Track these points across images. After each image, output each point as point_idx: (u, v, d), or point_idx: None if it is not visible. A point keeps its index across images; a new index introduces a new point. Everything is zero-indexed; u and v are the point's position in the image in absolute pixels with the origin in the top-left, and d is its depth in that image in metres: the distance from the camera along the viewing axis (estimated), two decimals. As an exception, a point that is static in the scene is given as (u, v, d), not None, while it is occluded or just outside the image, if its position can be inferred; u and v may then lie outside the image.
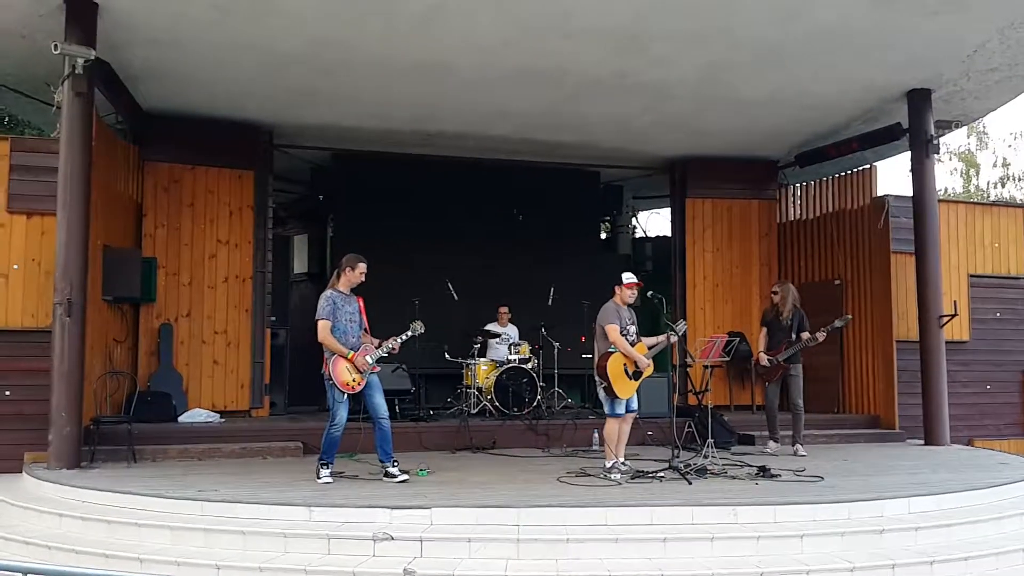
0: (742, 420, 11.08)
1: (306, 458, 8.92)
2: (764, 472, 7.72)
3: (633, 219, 16.64)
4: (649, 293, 8.05)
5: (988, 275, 12.42)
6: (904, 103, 10.76)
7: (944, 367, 10.80)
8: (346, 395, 7.37)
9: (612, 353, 7.58)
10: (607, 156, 13.27)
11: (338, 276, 7.59)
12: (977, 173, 27.24)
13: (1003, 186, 26.66)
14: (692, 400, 10.92)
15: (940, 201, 11.51)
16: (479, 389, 11.17)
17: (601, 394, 7.76)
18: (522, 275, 12.80)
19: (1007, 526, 6.62)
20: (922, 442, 10.75)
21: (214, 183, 11.34)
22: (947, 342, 10.97)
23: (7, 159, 9.15)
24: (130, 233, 10.76)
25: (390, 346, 7.54)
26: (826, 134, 12.07)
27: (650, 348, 7.79)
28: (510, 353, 11.40)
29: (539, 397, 11.00)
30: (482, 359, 11.46)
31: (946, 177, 26.98)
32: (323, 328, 7.36)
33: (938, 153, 11.01)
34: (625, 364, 7.58)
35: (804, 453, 9.36)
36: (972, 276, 12.31)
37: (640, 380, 7.70)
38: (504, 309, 12.15)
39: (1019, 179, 26.55)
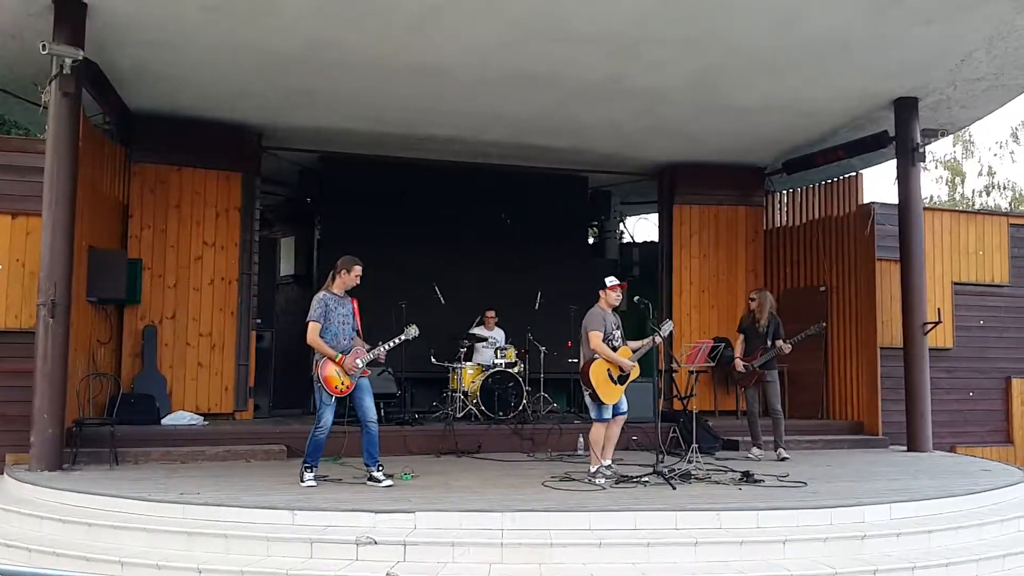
0: (727, 425, 11.10)
1: (290, 461, 8.90)
2: (748, 478, 7.74)
3: (621, 224, 16.67)
4: (636, 298, 8.07)
5: (972, 283, 12.49)
6: (891, 111, 10.83)
7: (927, 374, 10.85)
8: (334, 398, 7.35)
9: (596, 359, 7.59)
10: (598, 161, 13.30)
11: (332, 278, 7.56)
12: (962, 181, 27.43)
13: (988, 194, 26.86)
14: (677, 405, 10.94)
15: (925, 209, 11.56)
16: (465, 393, 11.17)
17: (587, 400, 7.77)
18: (509, 279, 12.82)
19: (988, 532, 6.65)
20: (905, 449, 10.81)
21: (201, 184, 11.30)
22: (931, 349, 11.03)
23: (-7, 159, 9.11)
24: (116, 234, 10.71)
25: (383, 349, 7.53)
26: (814, 141, 12.13)
27: (635, 351, 7.80)
28: (496, 357, 11.40)
29: (525, 401, 11.01)
30: (468, 363, 11.47)
31: (932, 185, 27.21)
32: (312, 331, 7.33)
33: (924, 161, 11.06)
34: (609, 369, 7.59)
35: (787, 456, 9.41)
36: (956, 284, 12.38)
37: (626, 384, 7.71)
38: (491, 313, 12.16)
39: (1004, 187, 26.75)
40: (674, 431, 10.23)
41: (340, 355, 7.31)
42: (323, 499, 6.68)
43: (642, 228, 19.06)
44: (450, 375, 11.51)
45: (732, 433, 10.58)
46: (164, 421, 10.27)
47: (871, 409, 11.61)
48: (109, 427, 8.70)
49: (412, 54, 9.23)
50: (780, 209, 13.79)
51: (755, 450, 9.70)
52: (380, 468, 7.48)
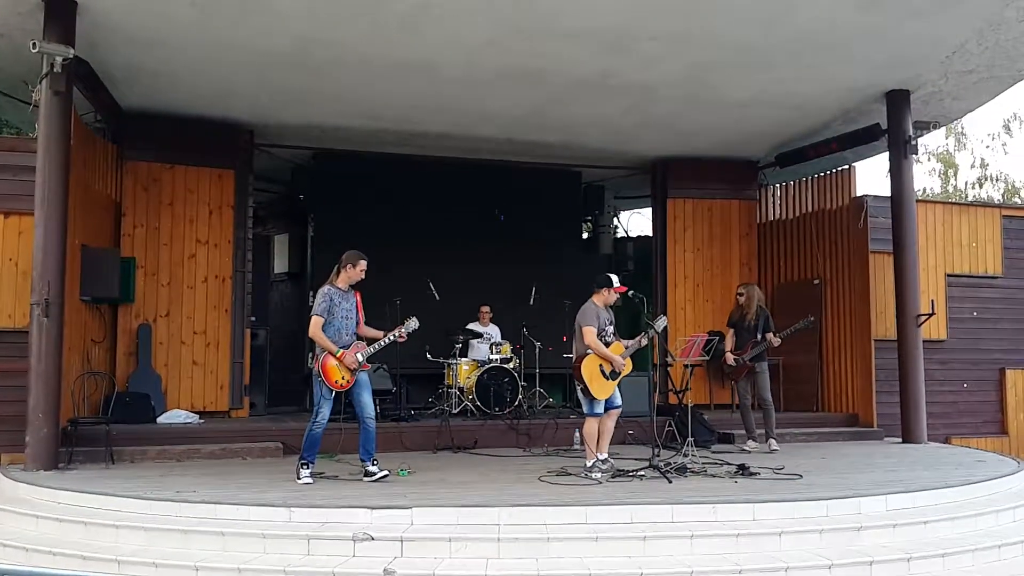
0: (722, 419, 11.11)
1: (286, 459, 8.89)
2: (743, 470, 7.77)
3: (615, 219, 16.67)
4: (630, 292, 8.07)
5: (965, 274, 12.54)
6: (883, 104, 10.85)
7: (922, 366, 10.88)
8: (333, 392, 7.35)
9: (588, 354, 7.60)
10: (590, 156, 13.30)
11: (337, 272, 7.55)
12: (955, 173, 27.46)
13: (981, 186, 26.89)
14: (672, 399, 10.95)
15: (918, 201, 11.60)
16: (460, 389, 11.17)
17: (579, 395, 7.79)
18: (504, 275, 12.80)
19: (983, 523, 6.68)
20: (900, 440, 10.84)
21: (194, 182, 11.28)
22: (925, 341, 11.06)
23: (-16, 158, 9.08)
24: (109, 233, 10.68)
25: (385, 342, 7.52)
26: (806, 134, 12.14)
27: (627, 348, 7.80)
28: (491, 353, 11.40)
29: (520, 397, 11.01)
30: (464, 359, 11.46)
31: (924, 177, 27.22)
32: (315, 324, 7.33)
33: (916, 154, 11.10)
34: (601, 364, 7.60)
35: (777, 447, 9.46)
36: (949, 275, 12.43)
37: (618, 379, 7.72)
38: (485, 309, 12.16)
39: (996, 179, 26.79)
40: (670, 425, 10.26)
41: (341, 350, 7.31)
42: (320, 496, 6.68)
43: (636, 222, 19.05)
44: (445, 371, 11.50)
45: (727, 426, 10.60)
46: (160, 420, 10.26)
47: (866, 401, 11.64)
48: (104, 426, 8.68)
49: (402, 51, 9.22)
50: (773, 202, 13.79)
51: (750, 442, 9.74)
52: (375, 463, 7.49)
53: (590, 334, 7.60)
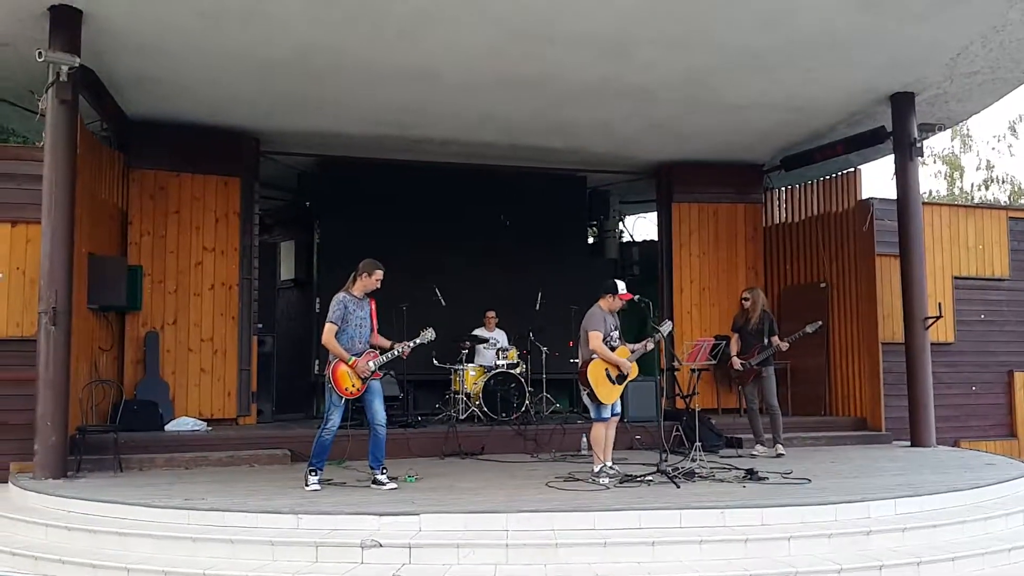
0: (730, 423, 11.11)
1: (294, 466, 8.90)
2: (751, 475, 7.74)
3: (620, 224, 16.67)
4: (636, 297, 8.07)
5: (972, 277, 12.50)
6: (888, 106, 10.83)
7: (929, 369, 10.85)
8: (343, 399, 7.36)
9: (594, 359, 7.59)
10: (594, 161, 13.30)
11: (353, 280, 7.55)
12: (961, 176, 27.38)
13: (987, 188, 26.80)
14: (680, 404, 10.95)
15: (924, 204, 11.57)
16: (467, 395, 11.17)
17: (586, 399, 7.78)
18: (510, 280, 12.82)
19: (993, 526, 6.65)
20: (908, 444, 10.80)
21: (200, 190, 11.31)
22: (932, 344, 11.02)
23: (-9, 167, 9.11)
24: (115, 241, 10.71)
25: (399, 351, 7.53)
26: (811, 137, 12.13)
27: (632, 352, 7.79)
28: (498, 358, 11.40)
29: (527, 402, 11.01)
30: (470, 364, 11.47)
31: (930, 180, 27.15)
32: (328, 331, 7.34)
33: (922, 156, 11.07)
34: (607, 369, 7.59)
35: (784, 452, 9.44)
36: (956, 278, 12.38)
37: (624, 384, 7.72)
38: (491, 314, 12.16)
39: (1003, 181, 26.70)
40: (677, 430, 10.24)
41: (353, 358, 7.32)
42: (328, 503, 6.68)
43: (641, 227, 19.07)
44: (452, 377, 11.51)
45: (735, 431, 10.58)
46: (167, 427, 10.27)
47: (874, 405, 11.61)
48: (112, 434, 8.70)
49: (404, 58, 9.23)
50: (779, 206, 13.78)
51: (758, 447, 9.71)
52: (384, 471, 7.49)
53: (596, 339, 7.60)
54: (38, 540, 6.48)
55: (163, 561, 5.79)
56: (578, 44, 8.96)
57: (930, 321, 10.86)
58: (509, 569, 5.60)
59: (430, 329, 7.70)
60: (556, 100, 10.53)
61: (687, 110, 10.99)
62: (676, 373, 11.64)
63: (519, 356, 11.57)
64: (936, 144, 26.81)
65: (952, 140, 27.02)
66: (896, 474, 8.22)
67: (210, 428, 10.50)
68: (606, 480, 7.50)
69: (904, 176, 11.01)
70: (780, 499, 6.69)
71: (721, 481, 7.65)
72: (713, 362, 9.18)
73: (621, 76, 9.82)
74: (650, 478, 7.58)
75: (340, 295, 7.48)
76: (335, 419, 7.37)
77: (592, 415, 7.75)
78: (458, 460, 9.56)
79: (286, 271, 14.29)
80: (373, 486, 7.41)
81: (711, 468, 8.19)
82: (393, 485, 7.41)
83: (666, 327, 8.09)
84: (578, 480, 7.70)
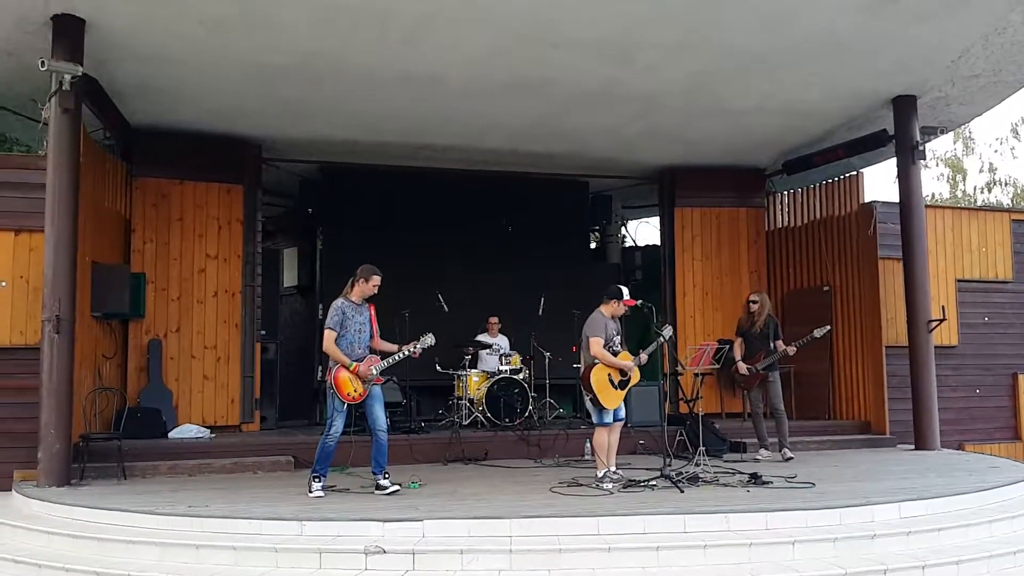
0: (733, 428, 11.09)
1: (297, 472, 8.90)
2: (756, 479, 7.74)
3: (623, 228, 16.68)
4: (639, 302, 8.07)
5: (975, 280, 12.48)
6: (890, 110, 10.84)
7: (933, 372, 10.83)
8: (345, 405, 7.36)
9: (596, 364, 7.59)
10: (596, 166, 13.31)
11: (351, 286, 7.57)
12: (964, 178, 27.39)
13: (989, 191, 26.81)
14: (683, 408, 10.94)
15: (927, 206, 11.56)
16: (470, 400, 11.16)
17: (588, 405, 7.78)
18: (512, 285, 12.82)
19: (998, 529, 6.64)
20: (913, 447, 10.78)
21: (203, 198, 11.33)
22: (936, 347, 11.01)
23: (-5, 176, 9.13)
24: (119, 249, 10.73)
25: (399, 356, 7.53)
26: (813, 141, 12.13)
27: (635, 359, 7.77)
28: (501, 364, 11.39)
29: (530, 407, 10.99)
30: (473, 370, 11.46)
31: (933, 183, 27.16)
32: (328, 337, 7.35)
33: (924, 159, 11.07)
34: (610, 374, 7.59)
35: (792, 455, 9.40)
36: (959, 281, 12.36)
37: (626, 389, 7.71)
38: (494, 320, 12.16)
39: (1006, 184, 26.70)
40: (681, 434, 10.23)
41: (355, 363, 7.33)
42: (331, 509, 6.68)
43: (644, 232, 19.10)
44: (455, 383, 11.50)
45: (739, 435, 10.57)
46: (171, 434, 10.28)
47: (878, 408, 11.59)
48: (116, 441, 8.70)
49: (407, 64, 9.26)
50: (781, 210, 13.77)
51: (762, 451, 9.70)
52: (387, 476, 7.49)
53: (597, 344, 7.60)
54: (42, 548, 6.48)
55: (167, 568, 5.80)
56: (581, 48, 8.98)
57: (933, 324, 10.84)
58: (513, 574, 5.59)
59: (430, 334, 7.71)
60: (559, 105, 10.55)
61: (691, 114, 11.01)
62: (679, 378, 11.64)
63: (522, 361, 11.56)
64: (938, 147, 26.85)
65: (954, 143, 27.07)
66: (900, 477, 8.20)
67: (213, 435, 10.50)
68: (610, 485, 7.50)
69: (906, 179, 11.00)
70: (784, 503, 6.67)
71: (725, 485, 7.63)
72: (716, 366, 9.17)
73: (625, 81, 9.84)
74: (654, 483, 7.57)
75: (338, 301, 7.50)
76: (338, 425, 7.38)
77: (594, 420, 7.75)
78: (461, 466, 9.55)
79: (289, 278, 14.32)
80: (376, 491, 7.41)
81: (715, 472, 8.17)
82: (395, 488, 7.41)
83: (667, 331, 8.08)
84: (582, 485, 7.69)
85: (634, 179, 13.96)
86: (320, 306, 12.70)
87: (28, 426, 8.28)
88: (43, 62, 7.78)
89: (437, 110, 10.67)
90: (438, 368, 11.45)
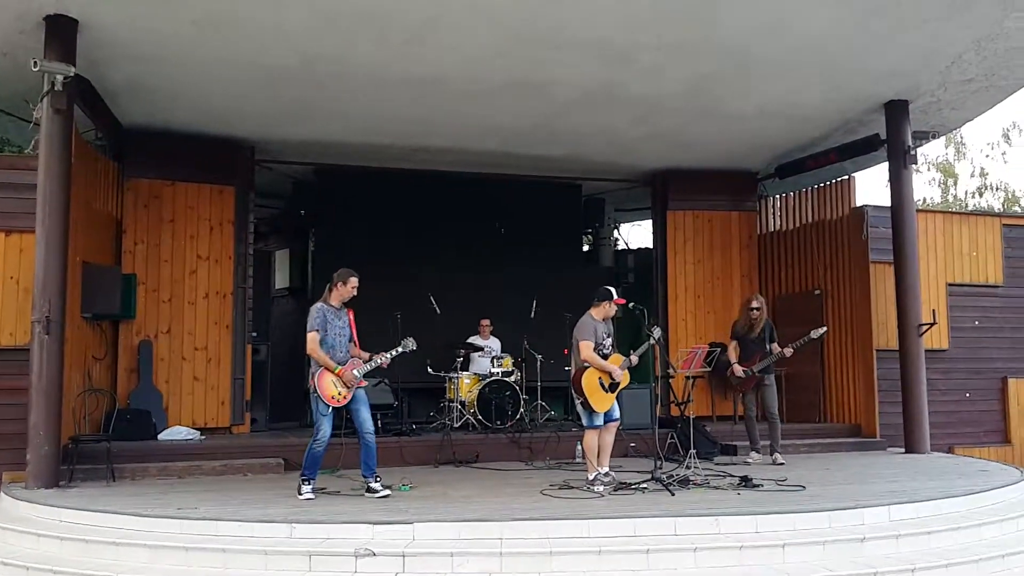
0: (724, 430, 11.10)
1: (288, 475, 8.88)
2: (746, 482, 7.75)
3: (615, 231, 16.70)
4: (631, 304, 8.07)
5: (966, 284, 12.52)
6: (882, 114, 10.87)
7: (924, 375, 10.86)
8: (331, 408, 7.35)
9: (587, 367, 7.59)
10: (591, 169, 13.32)
11: (330, 290, 7.59)
12: (955, 183, 27.49)
13: (981, 195, 26.91)
14: (674, 411, 10.90)
15: (918, 211, 11.58)
16: (462, 403, 11.15)
17: (579, 408, 7.79)
18: (504, 288, 12.81)
19: (987, 533, 6.66)
20: (903, 450, 10.81)
21: (195, 199, 11.30)
22: (926, 351, 11.03)
23: (-15, 176, 9.09)
24: (109, 250, 10.69)
25: (379, 361, 7.54)
26: (805, 145, 12.16)
27: (625, 361, 7.77)
28: (493, 366, 11.39)
29: (522, 410, 10.99)
30: (465, 372, 11.45)
31: (924, 187, 27.26)
32: (312, 340, 7.34)
33: (916, 163, 11.10)
34: (600, 377, 7.59)
35: (783, 461, 9.40)
36: (950, 285, 12.40)
37: (616, 391, 7.72)
38: (486, 322, 12.15)
39: (996, 188, 26.81)
40: (672, 437, 10.21)
41: (339, 367, 7.32)
42: (321, 512, 6.67)
43: (636, 235, 19.10)
44: (447, 385, 11.49)
45: (730, 438, 10.58)
46: (161, 436, 10.24)
47: (868, 411, 11.62)
48: (106, 443, 8.68)
49: (407, 65, 9.25)
50: (773, 213, 13.80)
51: (753, 454, 9.71)
52: (377, 479, 7.48)
53: (587, 348, 7.61)
54: (30, 550, 6.46)
55: (156, 571, 5.79)
56: (582, 50, 8.98)
57: (924, 328, 10.87)
58: (503, 577, 5.59)
59: (411, 338, 7.71)
60: (559, 106, 10.55)
61: (690, 117, 11.02)
62: (671, 380, 11.63)
63: (514, 364, 11.56)
64: (930, 151, 26.96)
65: (946, 147, 27.16)
66: (890, 481, 8.22)
67: (204, 437, 10.46)
68: (601, 488, 7.50)
69: (898, 183, 11.03)
70: (774, 506, 6.68)
71: (716, 488, 7.65)
72: (708, 369, 9.18)
73: (625, 83, 9.85)
74: (645, 486, 7.57)
75: (318, 305, 7.52)
76: (325, 429, 7.36)
77: (584, 423, 7.75)
78: (452, 468, 9.55)
79: (281, 279, 14.28)
80: (367, 494, 7.40)
81: (706, 475, 8.19)
82: (386, 492, 7.39)
83: (656, 332, 8.06)
84: (573, 488, 7.69)
85: (627, 182, 13.98)
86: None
87: (17, 427, 8.23)
88: (35, 62, 7.75)
89: (436, 112, 10.66)
90: (430, 370, 11.45)
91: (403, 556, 5.70)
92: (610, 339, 7.82)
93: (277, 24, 8.30)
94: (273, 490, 7.84)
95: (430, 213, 12.98)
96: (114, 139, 10.79)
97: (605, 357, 7.66)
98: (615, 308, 7.84)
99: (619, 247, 16.67)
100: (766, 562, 5.83)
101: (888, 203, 11.24)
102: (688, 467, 8.35)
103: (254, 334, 11.80)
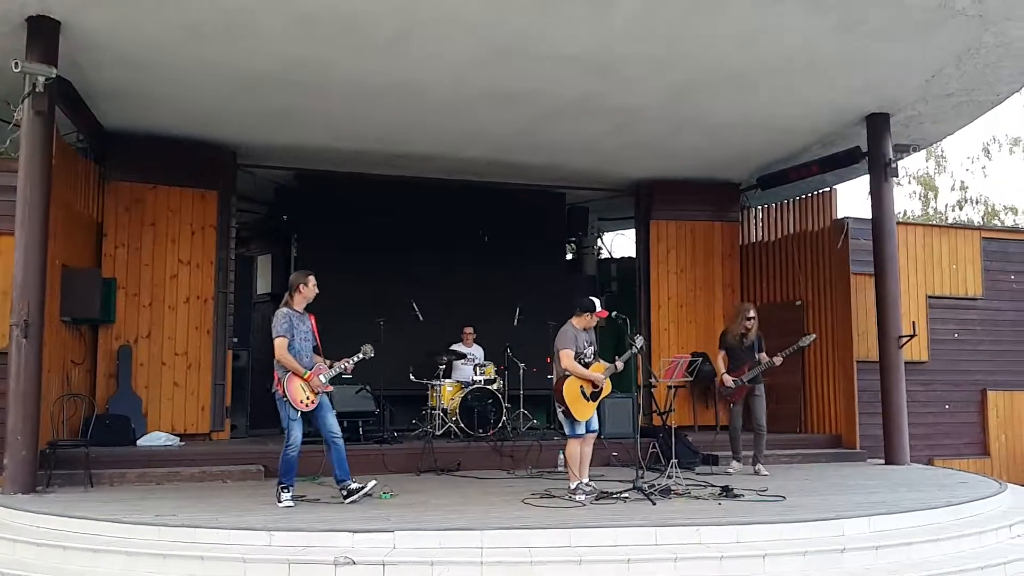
0: (706, 440, 11.10)
1: (267, 481, 8.81)
2: (727, 492, 7.75)
3: (599, 240, 16.74)
4: (614, 313, 8.07)
5: (946, 296, 12.64)
6: (863, 127, 10.95)
7: (904, 387, 10.93)
8: (299, 413, 7.31)
9: (568, 376, 7.58)
10: (574, 178, 13.35)
11: (291, 295, 7.55)
12: (935, 196, 27.72)
13: (961, 209, 27.16)
14: (656, 420, 10.94)
15: (899, 223, 11.69)
16: (444, 410, 11.12)
17: (561, 416, 7.77)
18: (488, 296, 12.81)
19: (966, 544, 6.68)
20: (883, 462, 10.86)
21: (176, 203, 11.24)
22: (906, 362, 11.11)
23: (-36, 178, 9.00)
24: (90, 253, 10.62)
25: (341, 367, 7.52)
26: (787, 157, 12.24)
27: (607, 369, 7.78)
28: (475, 374, 11.36)
29: (504, 418, 10.97)
30: (447, 380, 11.42)
31: (905, 200, 27.49)
32: (281, 345, 7.29)
33: (897, 176, 11.17)
34: (582, 386, 7.59)
35: (766, 472, 9.41)
36: (930, 297, 12.51)
37: (598, 401, 7.71)
38: (469, 329, 12.13)
39: (976, 202, 27.06)
40: (654, 446, 10.23)
41: (308, 372, 7.30)
42: (301, 519, 6.62)
43: (619, 244, 19.14)
44: (429, 392, 11.46)
45: (711, 448, 10.59)
46: (140, 442, 10.16)
47: (848, 422, 11.68)
48: (84, 449, 8.59)
49: (389, 73, 9.25)
50: (755, 224, 13.89)
51: (734, 463, 9.71)
52: (353, 481, 7.46)
53: (567, 357, 7.59)
54: (6, 556, 6.37)
55: (133, 578, 5.72)
56: (562, 61, 9.00)
57: (904, 340, 10.94)
58: (484, 586, 5.57)
59: (369, 345, 7.69)
60: (540, 116, 10.58)
61: (669, 128, 11.08)
62: (653, 390, 11.65)
63: (496, 372, 11.54)
64: (911, 164, 27.16)
65: (927, 161, 27.41)
66: (870, 492, 8.24)
67: (183, 443, 10.40)
68: (582, 497, 7.48)
69: (879, 196, 11.11)
70: (755, 516, 6.69)
71: (697, 498, 7.64)
72: (690, 379, 9.19)
73: (605, 94, 9.88)
74: (626, 495, 7.56)
75: (283, 310, 7.46)
76: (296, 434, 7.32)
77: (566, 432, 7.73)
78: (434, 476, 9.51)
79: (263, 285, 14.23)
80: (346, 500, 7.35)
81: (687, 485, 8.18)
82: (364, 488, 7.41)
83: (639, 341, 8.06)
84: (554, 497, 7.67)
85: (611, 191, 14.02)
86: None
87: (-6, 432, 8.16)
88: (16, 63, 7.69)
89: (418, 119, 10.67)
90: (412, 378, 11.40)
91: (383, 564, 5.65)
92: (592, 348, 7.81)
93: (259, 30, 8.28)
94: (252, 497, 7.78)
95: (413, 220, 12.95)
96: (96, 141, 10.72)
97: (587, 366, 7.64)
98: (597, 320, 7.83)
99: (602, 256, 16.72)
100: (746, 572, 5.83)
101: (869, 215, 11.31)
102: (670, 477, 8.35)
103: (235, 340, 11.75)
